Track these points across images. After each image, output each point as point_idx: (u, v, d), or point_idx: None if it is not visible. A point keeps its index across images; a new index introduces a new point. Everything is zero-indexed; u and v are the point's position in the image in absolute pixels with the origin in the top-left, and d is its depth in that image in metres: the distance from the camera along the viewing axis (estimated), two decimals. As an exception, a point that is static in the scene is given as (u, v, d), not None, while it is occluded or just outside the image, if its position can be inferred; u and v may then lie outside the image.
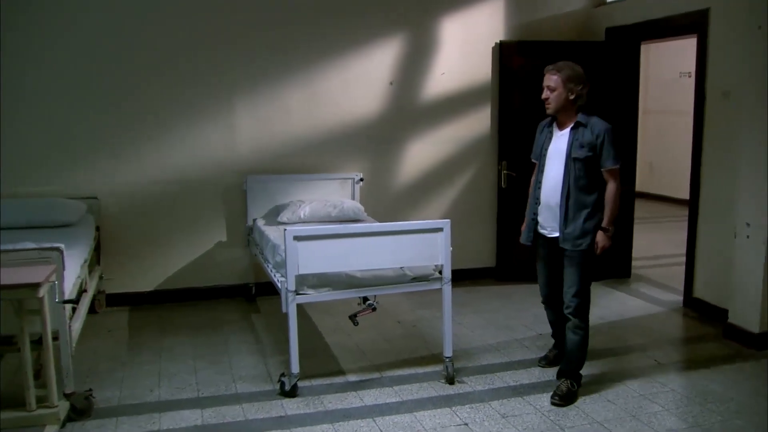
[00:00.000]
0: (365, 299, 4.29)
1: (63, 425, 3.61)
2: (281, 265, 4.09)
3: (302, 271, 3.93)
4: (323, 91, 5.95)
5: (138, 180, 5.66)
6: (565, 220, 3.89)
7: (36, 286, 3.22)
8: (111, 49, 5.48)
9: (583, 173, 3.85)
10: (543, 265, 4.20)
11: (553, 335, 4.47)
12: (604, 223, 3.88)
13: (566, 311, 3.96)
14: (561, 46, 6.17)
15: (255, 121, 5.84)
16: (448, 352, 4.20)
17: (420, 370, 4.39)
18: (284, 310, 3.97)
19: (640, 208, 7.57)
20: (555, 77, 3.84)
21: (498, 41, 6.28)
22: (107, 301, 5.72)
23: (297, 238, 3.89)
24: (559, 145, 3.94)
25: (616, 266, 6.52)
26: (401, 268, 4.20)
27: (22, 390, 3.45)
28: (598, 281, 6.37)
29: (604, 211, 3.88)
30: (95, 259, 5.51)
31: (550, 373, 4.28)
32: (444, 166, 6.38)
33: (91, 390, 3.86)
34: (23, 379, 3.46)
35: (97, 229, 5.52)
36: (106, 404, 3.92)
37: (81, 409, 3.73)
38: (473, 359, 4.57)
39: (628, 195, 6.38)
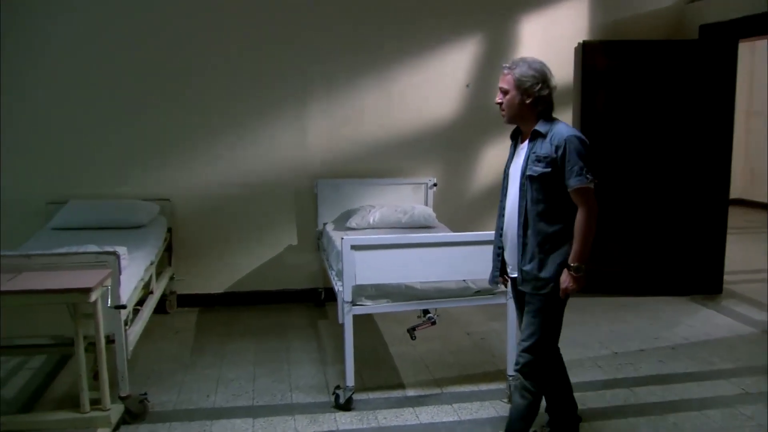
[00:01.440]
0: (425, 312, 4.12)
1: (117, 428, 3.63)
2: (341, 274, 3.99)
3: (359, 282, 3.81)
4: (397, 93, 5.81)
5: (210, 182, 5.69)
6: (523, 255, 3.12)
7: (88, 290, 3.23)
8: (184, 53, 5.53)
9: (542, 196, 3.04)
10: (519, 313, 3.40)
11: (547, 408, 3.50)
12: (570, 259, 3.02)
13: (515, 368, 3.23)
14: (650, 46, 5.80)
15: (328, 123, 5.76)
16: (511, 370, 3.98)
17: (483, 387, 4.19)
18: (340, 321, 3.86)
19: (738, 217, 7.07)
20: (508, 77, 3.08)
21: (581, 41, 5.97)
22: (178, 302, 5.79)
23: (355, 248, 3.77)
24: (518, 161, 3.17)
25: (705, 280, 6.08)
26: (464, 280, 4.01)
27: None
28: (684, 295, 5.97)
29: (573, 243, 3.03)
30: (167, 260, 5.58)
31: (621, 394, 3.99)
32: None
33: (145, 394, 3.87)
34: (78, 381, 3.49)
35: (169, 230, 5.58)
36: (162, 408, 3.92)
37: (135, 412, 3.74)
38: (541, 378, 4.33)
39: (720, 203, 5.95)
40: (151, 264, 4.74)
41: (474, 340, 5.01)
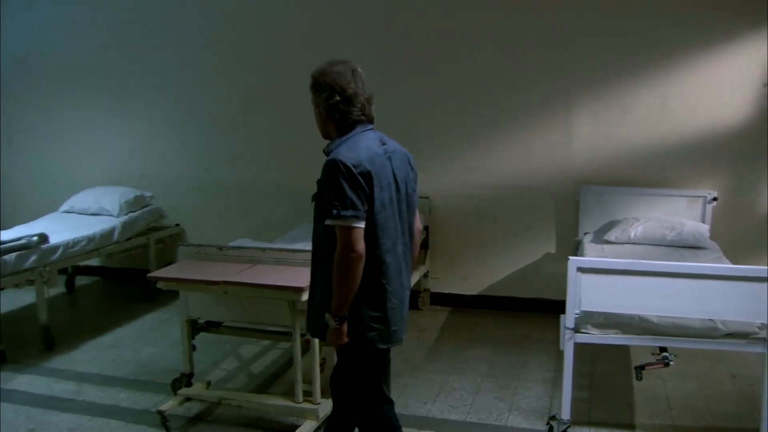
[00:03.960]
0: (662, 349, 3.60)
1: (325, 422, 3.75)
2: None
3: (585, 308, 3.46)
4: (674, 96, 5.15)
5: (469, 182, 5.64)
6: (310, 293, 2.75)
7: (299, 290, 3.36)
8: (448, 53, 5.52)
9: (322, 225, 2.57)
10: None
11: None
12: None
13: None
14: None
15: (594, 126, 5.33)
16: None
17: (732, 447, 3.56)
18: (561, 348, 3.55)
19: None
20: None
21: None
22: (431, 300, 5.84)
23: (582, 270, 3.43)
24: None
25: None
26: (710, 319, 3.42)
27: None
28: None
29: None
30: (422, 258, 5.65)
31: None
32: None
33: (361, 393, 3.95)
34: (294, 373, 3.67)
35: (426, 228, 5.64)
36: (378, 408, 3.97)
37: (347, 410, 3.84)
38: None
39: None
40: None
41: (739, 385, 4.28)
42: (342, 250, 2.48)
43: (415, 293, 5.70)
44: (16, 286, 4.84)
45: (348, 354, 2.68)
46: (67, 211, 6.09)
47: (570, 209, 5.46)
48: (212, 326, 4.14)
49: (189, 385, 4.00)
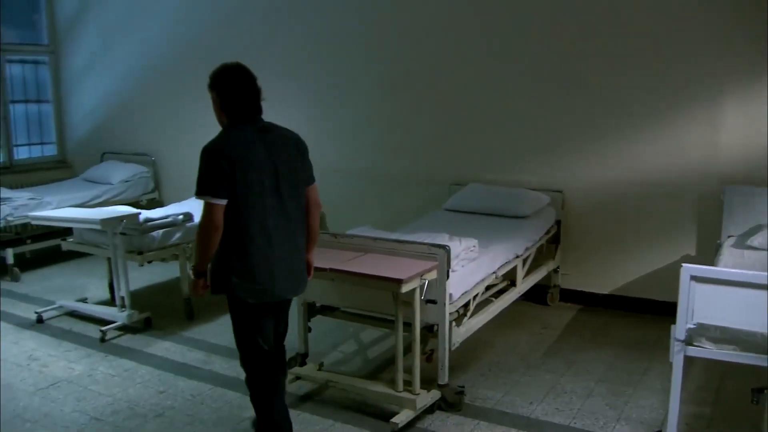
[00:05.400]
0: (790, 371, 3.31)
1: (431, 412, 3.81)
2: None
3: (698, 320, 3.25)
4: None
5: (604, 178, 5.42)
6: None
7: (399, 281, 3.42)
8: (591, 48, 5.32)
9: None
10: None
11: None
12: None
13: None
14: None
15: (745, 119, 4.91)
16: None
17: None
18: (670, 359, 3.36)
19: None
20: None
21: None
22: (561, 296, 5.69)
23: (696, 279, 3.23)
24: None
25: None
26: (844, 343, 3.09)
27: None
28: None
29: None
30: (551, 253, 5.52)
31: None
32: None
33: (463, 387, 3.96)
34: (395, 361, 3.75)
35: (558, 222, 5.50)
36: (482, 404, 3.97)
37: (451, 402, 3.87)
38: None
39: None
40: (517, 257, 4.76)
41: None
42: (202, 220, 3.02)
43: (544, 288, 5.60)
44: (163, 260, 5.29)
45: (229, 307, 3.20)
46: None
47: (714, 210, 5.07)
48: (327, 310, 4.31)
49: (303, 364, 4.21)
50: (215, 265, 3.10)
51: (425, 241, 3.89)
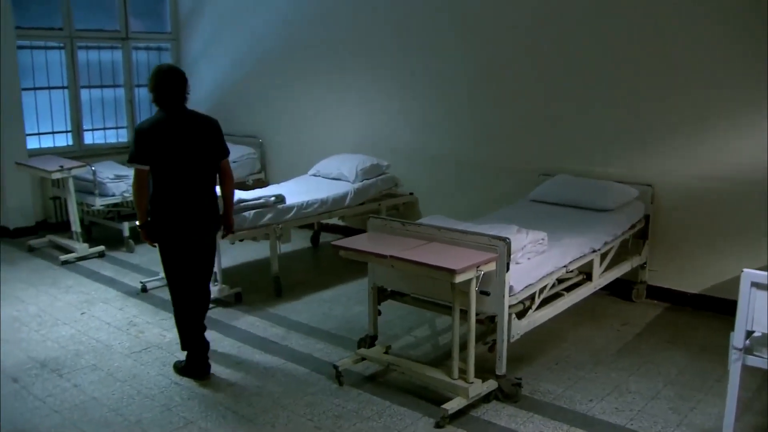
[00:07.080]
0: None
1: (488, 401, 3.86)
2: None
3: (756, 327, 3.13)
4: None
5: (697, 173, 5.19)
6: None
7: (453, 272, 3.49)
8: (670, 37, 5.10)
9: None
10: None
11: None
12: None
13: None
14: None
15: None
16: None
17: None
18: (728, 368, 3.25)
19: None
20: None
21: None
22: (648, 293, 5.53)
23: (757, 285, 3.10)
24: None
25: None
26: None
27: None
28: None
29: None
30: (638, 248, 5.38)
31: None
32: None
33: (520, 378, 3.98)
34: (452, 349, 3.83)
35: (647, 217, 5.34)
36: (540, 397, 3.98)
37: (507, 393, 3.90)
38: None
39: None
40: (594, 251, 4.69)
41: None
42: (132, 181, 4.12)
43: (630, 284, 5.48)
44: (254, 239, 5.59)
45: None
46: (314, 175, 6.81)
47: (818, 211, 4.79)
48: (398, 295, 4.43)
49: (371, 346, 4.36)
50: (150, 219, 4.12)
51: (488, 233, 3.91)
